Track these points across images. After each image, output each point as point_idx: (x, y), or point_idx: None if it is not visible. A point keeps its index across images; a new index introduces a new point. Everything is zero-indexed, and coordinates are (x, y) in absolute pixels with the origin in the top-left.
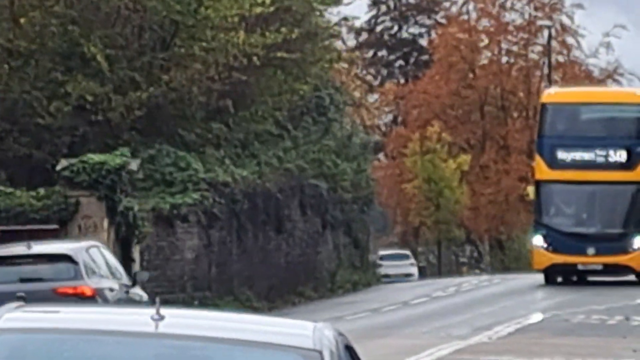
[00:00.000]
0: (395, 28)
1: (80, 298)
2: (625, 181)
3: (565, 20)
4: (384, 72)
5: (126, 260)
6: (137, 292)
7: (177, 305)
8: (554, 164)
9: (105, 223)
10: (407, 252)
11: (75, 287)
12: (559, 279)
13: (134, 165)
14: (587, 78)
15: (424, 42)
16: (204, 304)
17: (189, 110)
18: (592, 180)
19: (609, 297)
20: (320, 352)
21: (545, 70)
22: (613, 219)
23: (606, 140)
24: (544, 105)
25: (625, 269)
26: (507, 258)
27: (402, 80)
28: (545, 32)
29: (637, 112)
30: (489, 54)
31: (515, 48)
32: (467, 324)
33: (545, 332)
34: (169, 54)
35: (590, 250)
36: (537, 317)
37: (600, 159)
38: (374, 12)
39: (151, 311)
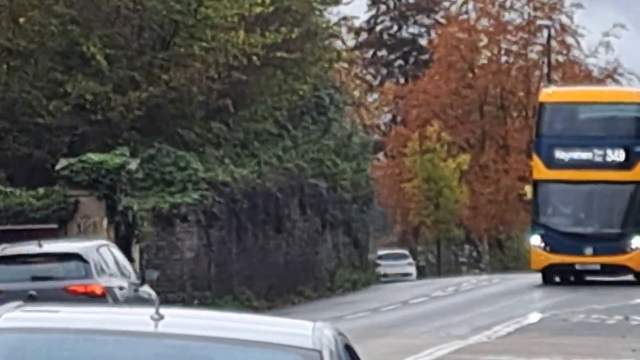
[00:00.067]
0: (395, 28)
1: (90, 296)
2: (623, 181)
3: (565, 19)
4: (384, 71)
5: None
6: (146, 290)
7: (176, 305)
8: (551, 163)
9: (105, 222)
10: (406, 251)
11: (85, 286)
12: (557, 279)
13: (133, 164)
14: (587, 78)
15: (423, 41)
16: (203, 303)
17: (188, 109)
18: (590, 180)
19: (608, 296)
20: (320, 352)
21: (545, 70)
22: (611, 218)
23: (604, 140)
24: (542, 104)
25: (623, 269)
26: (506, 258)
27: (401, 80)
28: (545, 32)
29: (635, 111)
30: (489, 54)
31: (514, 48)
32: (466, 323)
33: (545, 331)
34: (168, 54)
35: (588, 250)
36: (536, 316)
37: (598, 159)
38: (373, 11)
39: (151, 311)
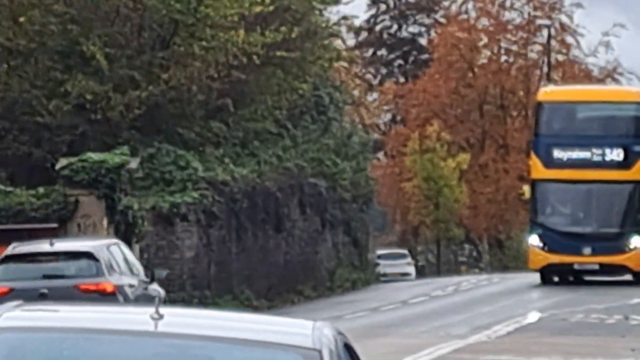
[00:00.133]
0: (395, 27)
1: (101, 294)
2: (621, 180)
3: (565, 19)
4: (384, 71)
5: None
6: (156, 288)
7: (176, 304)
8: (550, 163)
9: (105, 222)
10: (404, 251)
11: (97, 284)
12: (555, 279)
13: (133, 164)
14: (587, 77)
15: (423, 41)
16: (203, 302)
17: (188, 109)
18: (588, 180)
19: (608, 296)
20: (320, 351)
21: (545, 70)
22: (609, 218)
23: (603, 139)
24: (540, 103)
25: (621, 269)
26: (506, 257)
27: (401, 79)
28: (545, 32)
29: (634, 110)
30: (489, 53)
31: (514, 47)
32: (466, 323)
33: (544, 331)
34: (168, 53)
35: (587, 250)
36: (536, 316)
37: (597, 158)
38: (373, 11)
39: (150, 310)
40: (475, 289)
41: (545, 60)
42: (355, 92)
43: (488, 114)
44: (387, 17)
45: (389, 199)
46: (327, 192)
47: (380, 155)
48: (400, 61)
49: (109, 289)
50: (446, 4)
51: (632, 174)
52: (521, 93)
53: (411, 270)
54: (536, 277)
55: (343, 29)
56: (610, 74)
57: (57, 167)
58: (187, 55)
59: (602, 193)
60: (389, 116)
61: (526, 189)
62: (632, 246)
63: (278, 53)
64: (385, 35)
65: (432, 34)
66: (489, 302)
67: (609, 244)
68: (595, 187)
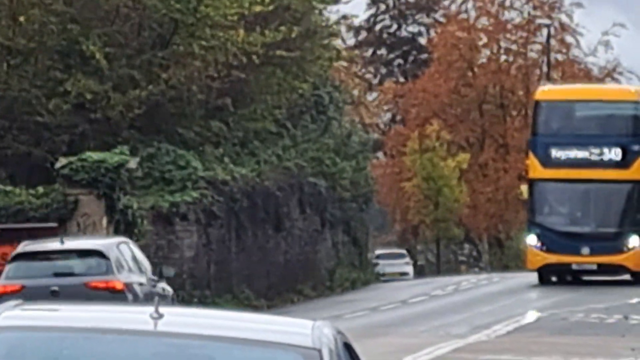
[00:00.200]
0: (395, 26)
1: (111, 292)
2: (620, 180)
3: (565, 18)
4: (383, 70)
5: None
6: (164, 286)
7: (175, 304)
8: (547, 162)
9: (104, 221)
10: (403, 251)
11: (106, 282)
12: (554, 279)
13: (133, 163)
14: (586, 77)
15: (423, 40)
16: (203, 302)
17: (188, 108)
18: (586, 179)
19: (607, 296)
20: (319, 351)
21: (545, 69)
22: (608, 218)
23: (601, 138)
24: (537, 102)
25: (620, 269)
26: (505, 257)
27: (401, 79)
28: (545, 31)
29: (631, 109)
30: (488, 53)
31: (514, 47)
32: (466, 322)
33: (544, 330)
34: (168, 52)
35: (585, 250)
36: (535, 316)
37: (595, 157)
38: (373, 10)
39: (150, 309)
40: (475, 289)
41: (545, 59)
42: (355, 92)
43: (488, 113)
44: (386, 16)
45: (388, 198)
46: (326, 191)
47: (380, 154)
48: (399, 61)
49: (119, 286)
50: (446, 3)
51: (630, 174)
52: (521, 92)
53: (410, 269)
54: (536, 277)
55: (343, 29)
56: (610, 74)
57: (57, 166)
58: (186, 54)
59: (600, 193)
60: (388, 116)
61: (523, 188)
62: (630, 246)
63: (278, 52)
64: (384, 35)
65: (432, 33)
66: (489, 301)
67: (607, 244)
68: (594, 186)
